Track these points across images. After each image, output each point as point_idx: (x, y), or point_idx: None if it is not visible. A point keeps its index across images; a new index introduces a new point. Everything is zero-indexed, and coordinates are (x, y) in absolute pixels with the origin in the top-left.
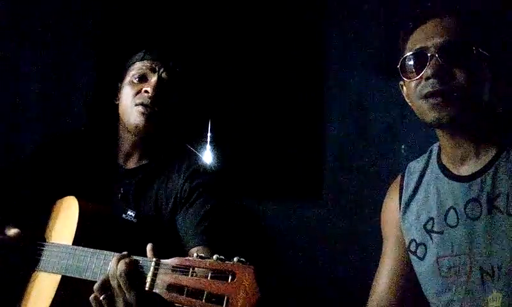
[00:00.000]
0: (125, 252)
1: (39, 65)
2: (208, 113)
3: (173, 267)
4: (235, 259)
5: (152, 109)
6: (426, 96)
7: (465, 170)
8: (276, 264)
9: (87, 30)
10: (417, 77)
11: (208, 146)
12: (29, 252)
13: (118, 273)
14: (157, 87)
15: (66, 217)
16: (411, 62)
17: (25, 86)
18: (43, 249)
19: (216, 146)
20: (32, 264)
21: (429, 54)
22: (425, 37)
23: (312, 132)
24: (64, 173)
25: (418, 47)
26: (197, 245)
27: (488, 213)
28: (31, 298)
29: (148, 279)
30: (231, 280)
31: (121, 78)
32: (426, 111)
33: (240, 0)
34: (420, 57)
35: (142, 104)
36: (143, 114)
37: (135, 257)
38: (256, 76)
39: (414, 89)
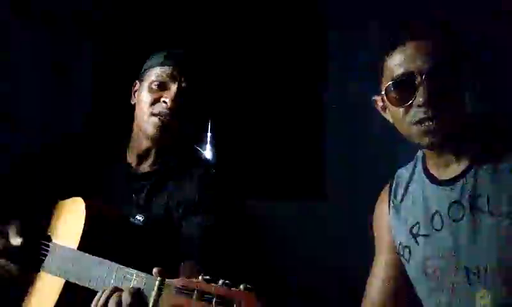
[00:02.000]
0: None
1: (39, 65)
2: (208, 113)
3: (177, 288)
4: (242, 286)
5: (169, 121)
6: (418, 122)
7: (447, 174)
8: (277, 264)
9: (88, 29)
10: (406, 104)
11: (208, 146)
12: (34, 252)
13: (126, 302)
14: (177, 97)
15: (72, 219)
16: (398, 90)
17: (25, 86)
18: (48, 249)
19: (216, 146)
20: (37, 264)
21: (416, 81)
22: (406, 60)
23: (312, 132)
24: (72, 172)
25: (401, 71)
26: (190, 259)
27: (470, 214)
28: (34, 298)
29: (151, 300)
30: None
31: (139, 77)
32: (418, 136)
33: (241, 1)
34: (407, 84)
35: (159, 115)
36: (159, 126)
37: (140, 273)
38: (257, 76)
39: (403, 116)
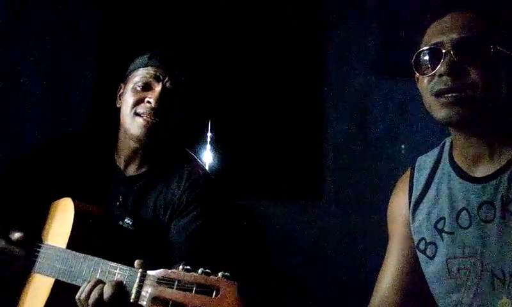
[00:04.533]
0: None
1: (39, 65)
2: (208, 113)
3: (158, 279)
4: (220, 274)
5: (153, 121)
6: (438, 94)
7: (479, 171)
8: (276, 264)
9: (87, 29)
10: (431, 73)
11: (208, 146)
12: (28, 254)
13: (108, 295)
14: (161, 97)
15: (61, 219)
16: (426, 58)
17: (25, 86)
18: (39, 251)
19: (216, 146)
20: (30, 266)
21: (443, 50)
22: (441, 31)
23: (312, 132)
24: (63, 174)
25: (434, 41)
26: (179, 263)
27: (501, 217)
28: (27, 300)
29: (133, 291)
30: (215, 295)
31: (123, 80)
32: (436, 108)
33: (241, 0)
34: (435, 52)
35: (143, 115)
36: (143, 126)
37: (122, 267)
38: (257, 76)
39: (426, 85)
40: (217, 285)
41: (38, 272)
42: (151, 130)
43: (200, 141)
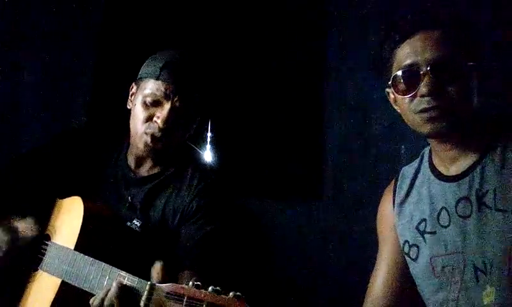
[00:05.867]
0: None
1: (39, 65)
2: (208, 113)
3: (167, 293)
4: (231, 294)
5: (159, 140)
6: (421, 111)
7: (454, 170)
8: (276, 264)
9: (87, 29)
10: (411, 94)
11: (208, 146)
12: (34, 248)
13: (113, 295)
14: (168, 117)
15: (70, 218)
16: (404, 80)
17: (25, 86)
18: (46, 248)
19: (216, 146)
20: (35, 262)
21: (421, 72)
22: (414, 52)
23: (312, 131)
24: (73, 170)
25: (408, 62)
26: (187, 269)
27: (477, 210)
28: (31, 297)
29: (142, 304)
30: None
31: (135, 81)
32: (421, 124)
33: (241, 0)
34: (413, 74)
35: (149, 134)
36: (148, 144)
37: (131, 277)
38: (257, 76)
39: (408, 105)
40: (227, 305)
41: (45, 270)
42: (155, 149)
43: (200, 141)
